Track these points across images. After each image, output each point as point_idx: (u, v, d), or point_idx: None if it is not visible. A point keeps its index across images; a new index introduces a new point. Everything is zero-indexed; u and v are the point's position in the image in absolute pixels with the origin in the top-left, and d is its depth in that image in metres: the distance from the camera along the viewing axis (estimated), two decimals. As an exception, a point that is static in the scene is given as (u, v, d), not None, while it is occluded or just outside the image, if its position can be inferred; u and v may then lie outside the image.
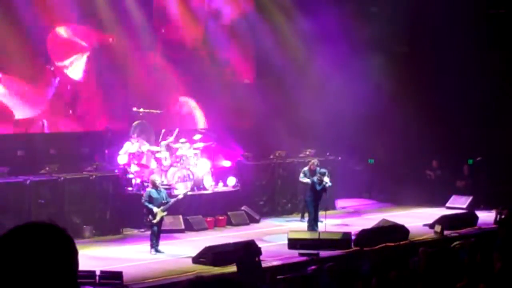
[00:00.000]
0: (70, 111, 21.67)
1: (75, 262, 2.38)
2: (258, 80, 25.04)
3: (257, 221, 21.19)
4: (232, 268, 14.27)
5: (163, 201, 16.99)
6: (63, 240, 2.36)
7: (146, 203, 16.87)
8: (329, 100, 23.61)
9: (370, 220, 20.23)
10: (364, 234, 17.45)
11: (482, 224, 20.01)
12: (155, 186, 17.24)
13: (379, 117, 24.29)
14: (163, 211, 16.88)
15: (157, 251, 16.78)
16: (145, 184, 19.59)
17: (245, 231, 19.50)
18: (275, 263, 15.42)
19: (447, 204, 23.22)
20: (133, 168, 20.55)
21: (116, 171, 20.25)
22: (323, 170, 19.66)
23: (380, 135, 24.65)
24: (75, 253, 2.38)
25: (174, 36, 23.57)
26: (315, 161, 20.55)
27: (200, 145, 21.76)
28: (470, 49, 24.55)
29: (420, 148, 24.69)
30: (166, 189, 19.02)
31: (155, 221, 16.75)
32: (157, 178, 17.88)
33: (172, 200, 17.29)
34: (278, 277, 13.71)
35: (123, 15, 22.07)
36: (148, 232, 17.44)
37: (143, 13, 22.57)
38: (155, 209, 16.74)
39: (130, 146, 20.75)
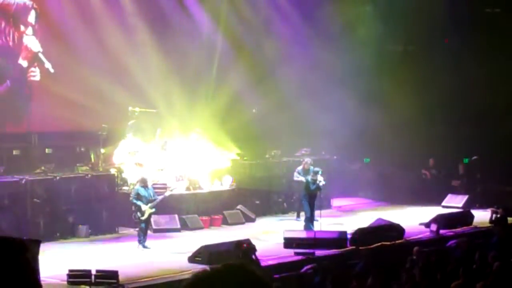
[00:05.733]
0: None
1: (23, 271, 2.22)
2: (252, 80, 24.93)
3: (253, 220, 21.18)
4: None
5: (151, 198, 17.22)
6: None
7: (134, 200, 17.12)
8: (324, 98, 23.57)
9: (365, 219, 20.23)
10: (360, 233, 17.44)
11: (477, 223, 20.03)
12: (143, 183, 17.37)
13: (375, 116, 24.25)
14: (151, 208, 17.11)
15: (144, 246, 17.01)
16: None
17: (240, 230, 19.47)
18: (270, 262, 15.40)
19: (443, 203, 23.21)
20: (129, 167, 20.52)
21: (112, 170, 20.23)
22: (316, 169, 19.67)
23: (376, 134, 24.64)
24: (23, 262, 2.25)
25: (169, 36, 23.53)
26: (308, 160, 20.54)
27: (195, 144, 21.73)
28: (466, 48, 24.57)
29: (416, 147, 24.67)
30: (161, 188, 19.06)
31: (143, 218, 17.03)
32: (145, 176, 17.92)
33: (159, 197, 17.48)
34: (274, 276, 13.72)
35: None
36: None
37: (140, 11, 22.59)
38: (143, 206, 16.98)
39: (126, 145, 20.73)
